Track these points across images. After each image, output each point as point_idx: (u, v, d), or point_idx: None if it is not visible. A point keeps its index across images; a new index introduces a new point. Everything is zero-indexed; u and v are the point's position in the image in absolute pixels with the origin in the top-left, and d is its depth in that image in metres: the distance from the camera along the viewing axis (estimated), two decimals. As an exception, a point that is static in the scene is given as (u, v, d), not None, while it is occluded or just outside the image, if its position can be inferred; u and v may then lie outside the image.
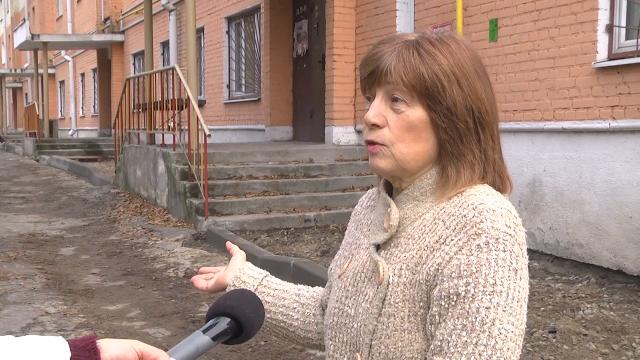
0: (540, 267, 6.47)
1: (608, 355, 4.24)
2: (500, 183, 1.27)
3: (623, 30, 6.08)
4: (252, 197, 8.72)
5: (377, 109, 1.24)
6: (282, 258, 6.50)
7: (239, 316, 1.23)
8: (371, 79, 1.25)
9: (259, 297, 1.52)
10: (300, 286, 1.59)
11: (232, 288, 1.54)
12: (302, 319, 1.53)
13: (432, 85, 1.20)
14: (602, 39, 6.11)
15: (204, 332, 1.19)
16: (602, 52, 6.11)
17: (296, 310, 1.54)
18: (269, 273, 1.60)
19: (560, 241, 6.43)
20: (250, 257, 6.89)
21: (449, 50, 1.23)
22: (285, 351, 4.62)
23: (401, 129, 1.22)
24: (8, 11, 44.73)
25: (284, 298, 1.55)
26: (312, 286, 1.63)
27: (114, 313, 5.60)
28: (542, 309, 5.08)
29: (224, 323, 1.22)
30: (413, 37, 1.25)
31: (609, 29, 6.09)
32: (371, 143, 1.25)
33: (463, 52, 1.24)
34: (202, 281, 1.59)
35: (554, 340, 4.45)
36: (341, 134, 10.17)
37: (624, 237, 5.81)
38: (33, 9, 36.19)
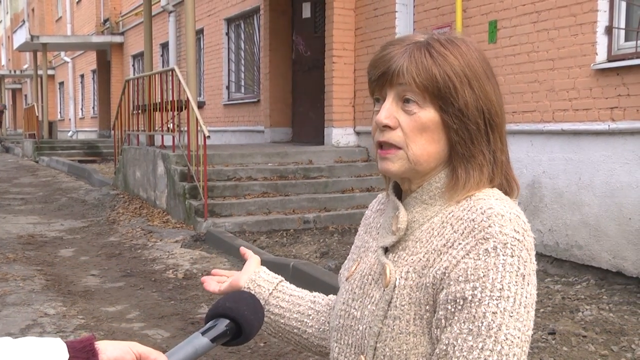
0: (540, 269, 6.46)
1: (607, 357, 4.24)
2: (507, 185, 1.27)
3: (622, 32, 6.08)
4: (251, 199, 8.71)
5: (389, 111, 1.23)
6: (282, 259, 6.49)
7: (238, 318, 1.23)
8: (382, 80, 1.24)
9: (274, 301, 1.52)
10: (316, 293, 1.58)
11: (249, 288, 1.53)
12: (316, 326, 1.51)
13: (445, 87, 1.20)
14: (602, 41, 6.11)
15: (203, 333, 1.19)
16: (601, 54, 6.11)
17: (311, 317, 1.52)
18: (284, 278, 1.58)
19: (560, 243, 6.43)
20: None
21: (459, 52, 1.23)
22: (284, 353, 4.62)
23: (414, 131, 1.22)
24: (7, 12, 44.74)
25: (299, 304, 1.53)
26: (312, 288, 1.62)
27: (113, 314, 5.60)
28: (542, 310, 5.08)
29: (222, 325, 1.22)
30: (422, 38, 1.25)
31: (608, 30, 6.09)
32: (383, 145, 1.25)
33: (472, 53, 1.24)
34: (213, 284, 1.57)
35: (554, 341, 4.45)
36: (340, 136, 10.16)
37: (623, 239, 5.81)
38: (32, 10, 36.20)
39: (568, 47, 6.39)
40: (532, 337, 3.94)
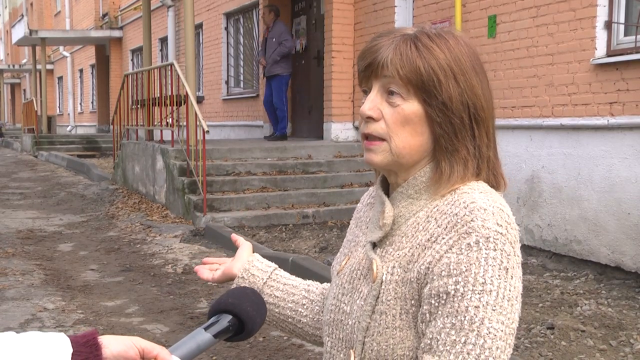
0: (539, 264, 6.47)
1: (606, 351, 4.25)
2: (494, 181, 1.26)
3: (622, 27, 6.08)
4: (250, 194, 8.72)
5: (373, 102, 1.24)
6: (281, 254, 6.50)
7: (241, 314, 1.24)
8: (368, 71, 1.25)
9: (268, 290, 1.52)
10: (310, 282, 1.58)
11: (240, 280, 1.53)
12: (310, 316, 1.53)
13: (428, 79, 1.20)
14: (601, 36, 6.11)
15: (206, 329, 1.20)
16: (600, 49, 6.11)
17: (305, 307, 1.53)
18: (277, 266, 1.58)
19: (559, 237, 6.44)
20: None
21: (447, 46, 1.23)
22: (283, 347, 4.63)
23: (396, 123, 1.22)
24: (6, 7, 44.64)
25: (293, 293, 1.54)
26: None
27: (113, 309, 5.60)
28: (540, 305, 5.09)
29: (225, 320, 1.22)
30: (412, 31, 1.26)
31: (608, 25, 6.09)
32: (367, 137, 1.26)
33: (461, 47, 1.24)
34: (206, 272, 1.58)
35: (552, 336, 4.46)
36: (339, 131, 10.16)
37: (622, 234, 5.82)
38: (31, 4, 36.12)
39: (567, 42, 6.39)
40: (530, 332, 3.93)
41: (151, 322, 5.25)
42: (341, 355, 1.30)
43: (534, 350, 4.26)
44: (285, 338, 4.77)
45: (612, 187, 5.92)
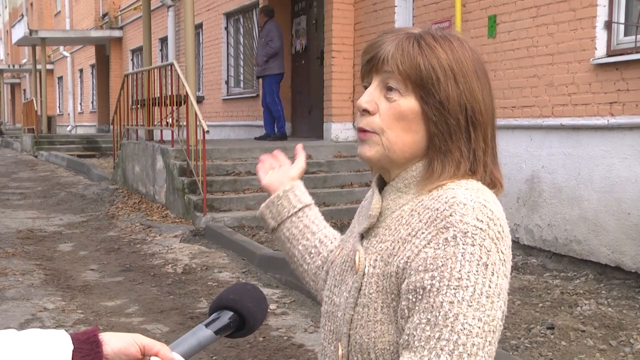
0: (539, 264, 6.47)
1: (606, 351, 4.25)
2: (491, 184, 1.26)
3: (622, 27, 6.08)
4: (250, 194, 8.72)
5: (370, 96, 1.25)
6: (281, 254, 6.50)
7: (242, 310, 1.23)
8: (369, 65, 1.26)
9: (289, 224, 1.57)
10: (328, 233, 1.58)
11: (270, 205, 1.57)
12: (312, 266, 1.55)
13: (427, 77, 1.21)
14: (601, 36, 6.11)
15: (207, 325, 1.20)
16: (600, 49, 6.11)
17: (311, 256, 1.55)
18: (312, 204, 1.60)
19: (559, 237, 6.44)
20: (249, 253, 6.89)
21: (450, 47, 1.23)
22: (283, 347, 4.63)
23: (391, 118, 1.23)
24: (6, 7, 44.65)
25: (307, 238, 1.56)
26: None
27: (113, 309, 5.61)
28: (540, 305, 5.09)
29: (226, 317, 1.22)
30: (417, 30, 1.27)
31: (608, 25, 6.09)
32: (362, 130, 1.27)
33: (465, 51, 1.24)
34: (262, 170, 1.63)
35: (552, 336, 4.46)
36: (340, 130, 10.17)
37: (622, 234, 5.82)
38: (31, 4, 36.13)
39: (567, 42, 6.39)
40: (530, 332, 3.91)
41: (151, 322, 5.25)
42: (331, 347, 1.31)
43: (534, 350, 4.26)
44: (285, 338, 4.77)
45: (612, 187, 5.92)
